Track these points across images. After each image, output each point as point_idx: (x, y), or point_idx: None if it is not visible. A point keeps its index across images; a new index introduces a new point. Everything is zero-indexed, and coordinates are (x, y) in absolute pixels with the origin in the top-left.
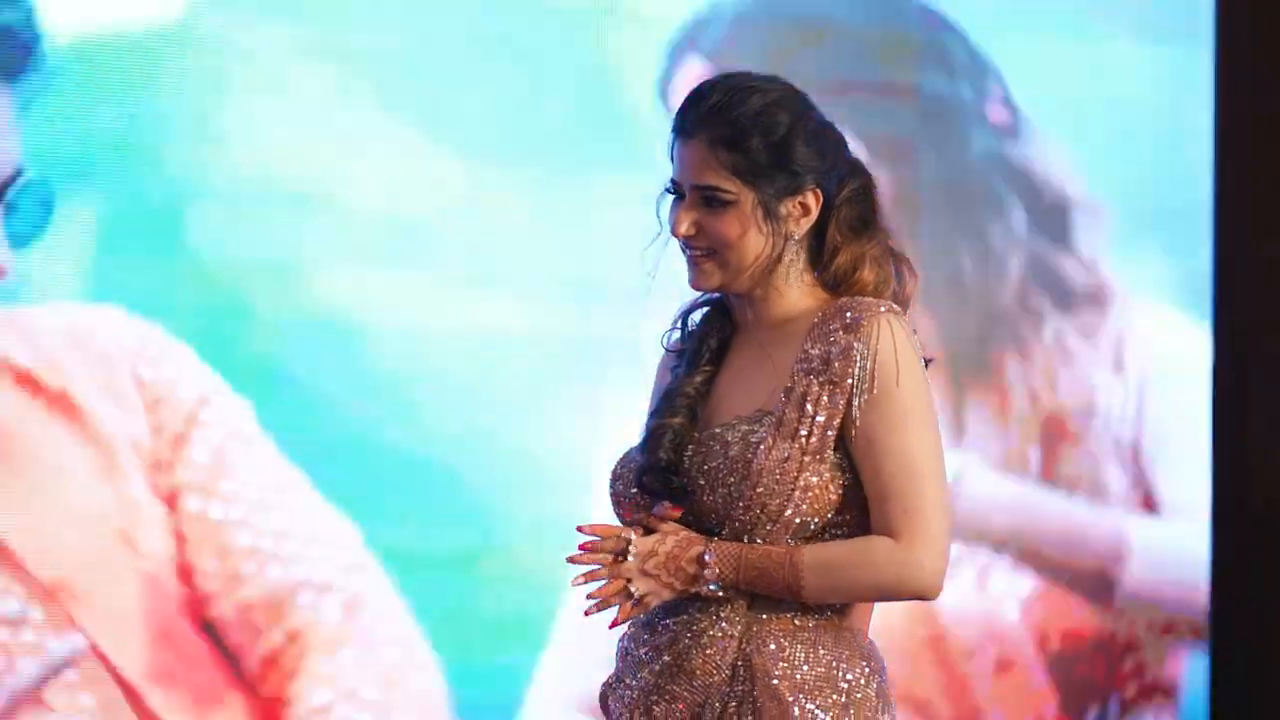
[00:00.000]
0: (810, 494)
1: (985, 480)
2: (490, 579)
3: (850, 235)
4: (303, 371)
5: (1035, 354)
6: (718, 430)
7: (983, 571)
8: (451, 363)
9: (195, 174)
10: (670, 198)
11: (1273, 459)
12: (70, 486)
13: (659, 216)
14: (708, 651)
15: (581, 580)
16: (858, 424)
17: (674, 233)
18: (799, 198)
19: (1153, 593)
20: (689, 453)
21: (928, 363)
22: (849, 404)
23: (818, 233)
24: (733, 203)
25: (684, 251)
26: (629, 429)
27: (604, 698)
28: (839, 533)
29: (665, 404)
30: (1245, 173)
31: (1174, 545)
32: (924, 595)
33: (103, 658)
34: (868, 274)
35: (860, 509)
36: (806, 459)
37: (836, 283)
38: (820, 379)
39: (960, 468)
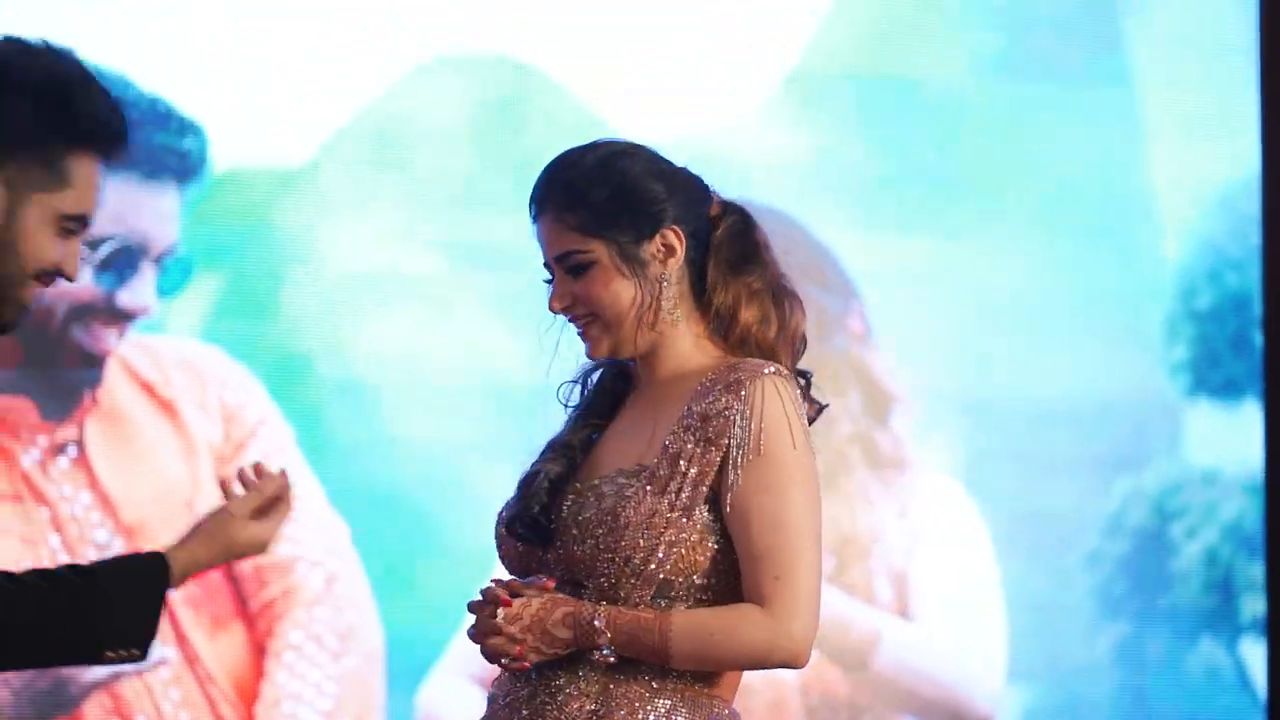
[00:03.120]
0: (676, 551)
1: None
2: (432, 577)
3: (729, 271)
4: (334, 413)
5: (845, 493)
6: (596, 482)
7: None
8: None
9: (284, 269)
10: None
11: None
12: (160, 462)
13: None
14: (564, 710)
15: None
16: (734, 488)
17: (551, 310)
18: (658, 238)
19: (893, 675)
20: (568, 503)
21: (821, 409)
22: (725, 465)
23: (700, 276)
24: (593, 262)
25: (575, 325)
26: None
27: None
28: (705, 596)
29: (546, 453)
30: None
31: (917, 644)
32: (791, 664)
33: None
34: (747, 313)
35: (728, 573)
36: (675, 515)
37: (723, 328)
38: (696, 435)
39: None
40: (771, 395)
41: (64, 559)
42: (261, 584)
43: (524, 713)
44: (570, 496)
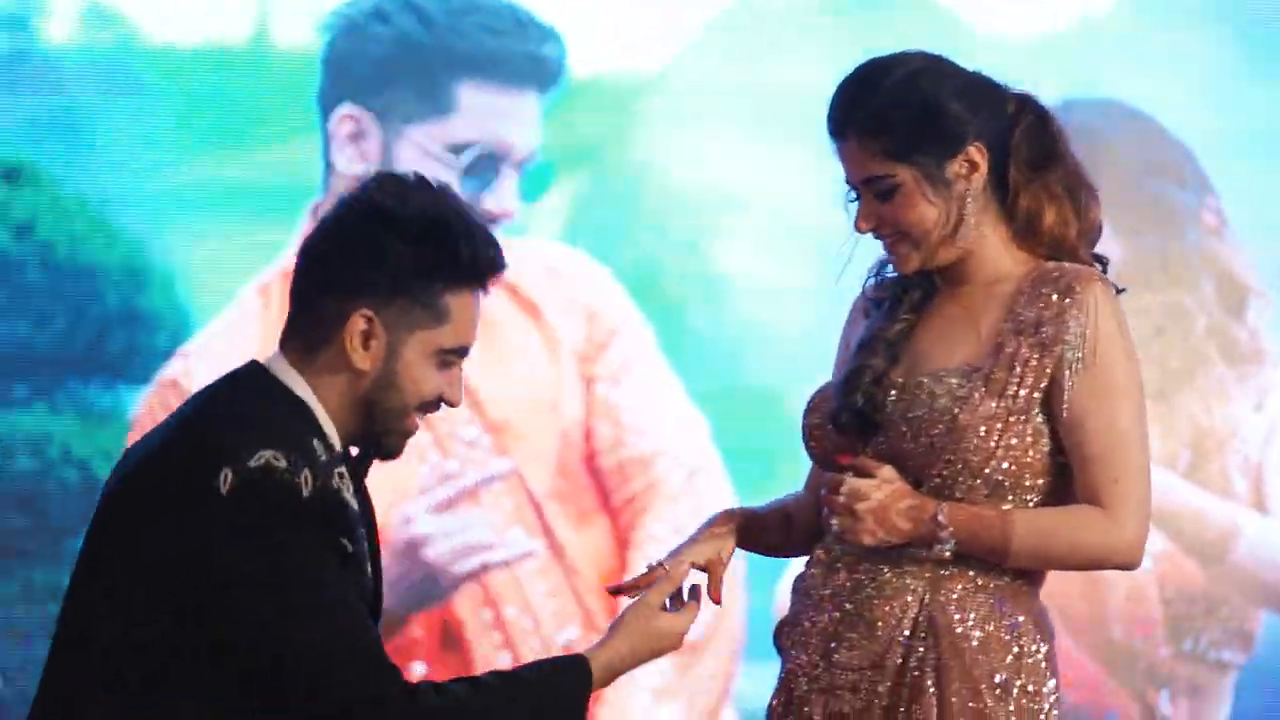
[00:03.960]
0: (1012, 454)
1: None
2: (792, 471)
3: (1030, 173)
4: (692, 313)
5: (1200, 388)
6: (924, 380)
7: None
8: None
9: (643, 172)
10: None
11: None
12: (525, 361)
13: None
14: (892, 603)
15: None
16: (1070, 392)
17: (858, 230)
18: (962, 156)
19: (1251, 568)
20: (892, 397)
21: (1119, 292)
22: (1059, 370)
23: (1000, 180)
24: (898, 185)
25: (883, 242)
26: None
27: (778, 635)
28: (1032, 497)
29: (866, 346)
30: None
31: (1275, 537)
32: (1127, 566)
33: (521, 477)
34: (1048, 216)
35: (1055, 475)
36: (1012, 419)
37: (1028, 232)
38: (1030, 340)
39: None
40: (1104, 302)
41: (434, 456)
42: (625, 479)
43: (847, 606)
44: (893, 391)
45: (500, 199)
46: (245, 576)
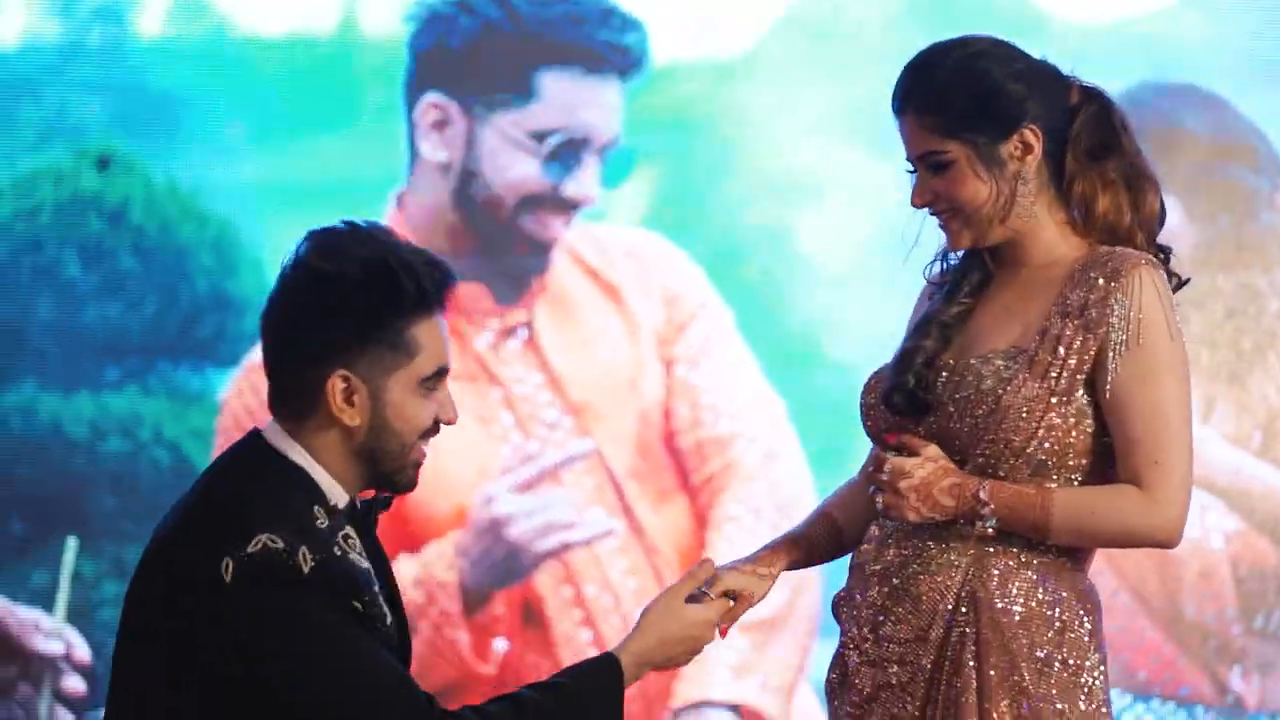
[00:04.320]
0: (1053, 434)
1: (1220, 446)
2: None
3: (1087, 161)
4: (770, 295)
5: (1272, 369)
6: (973, 362)
7: (1204, 508)
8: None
9: (722, 158)
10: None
11: None
12: (605, 344)
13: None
14: (936, 579)
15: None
16: (1113, 374)
17: (913, 205)
18: (1016, 138)
19: None
20: (942, 379)
21: (1183, 283)
22: (1103, 352)
23: (1059, 167)
24: (951, 161)
25: (937, 219)
26: None
27: (836, 608)
28: (1076, 477)
29: (920, 329)
30: None
31: None
32: (1166, 544)
33: (602, 458)
34: (1102, 202)
35: (1098, 456)
36: (1054, 400)
37: (1083, 218)
38: (1075, 322)
39: (1203, 435)
40: (1149, 285)
41: (516, 437)
42: (703, 459)
43: (894, 581)
44: (944, 373)
45: (582, 185)
46: (262, 653)
